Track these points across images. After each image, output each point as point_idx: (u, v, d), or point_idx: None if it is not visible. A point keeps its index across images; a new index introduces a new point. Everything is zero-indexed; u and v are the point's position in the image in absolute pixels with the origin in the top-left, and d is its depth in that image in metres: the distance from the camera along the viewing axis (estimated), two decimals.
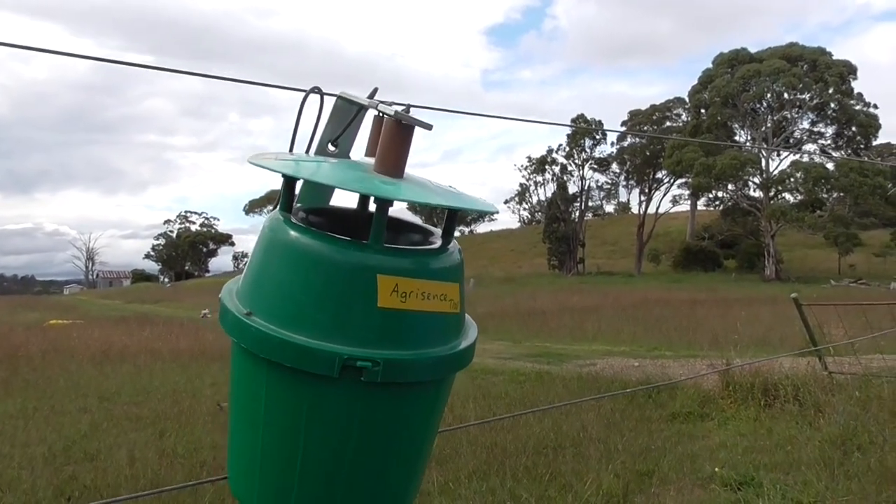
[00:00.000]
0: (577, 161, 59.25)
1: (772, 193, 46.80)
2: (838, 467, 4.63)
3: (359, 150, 0.84)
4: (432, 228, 0.73)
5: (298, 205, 0.73)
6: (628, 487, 4.29)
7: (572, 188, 59.65)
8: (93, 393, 8.95)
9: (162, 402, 8.07)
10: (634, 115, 59.02)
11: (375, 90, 0.76)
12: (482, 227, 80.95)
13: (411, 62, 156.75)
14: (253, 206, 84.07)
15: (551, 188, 60.54)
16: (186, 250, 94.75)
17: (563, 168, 59.78)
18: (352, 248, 0.61)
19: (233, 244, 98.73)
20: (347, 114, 0.75)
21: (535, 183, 63.28)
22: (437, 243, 0.69)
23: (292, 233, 0.63)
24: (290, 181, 0.69)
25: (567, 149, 58.94)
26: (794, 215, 44.63)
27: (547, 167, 60.53)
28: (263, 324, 0.60)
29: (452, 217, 0.69)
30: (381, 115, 0.71)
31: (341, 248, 0.61)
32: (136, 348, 13.88)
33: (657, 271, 52.80)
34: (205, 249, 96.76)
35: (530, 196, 65.78)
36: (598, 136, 58.03)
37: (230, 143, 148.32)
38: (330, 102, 0.83)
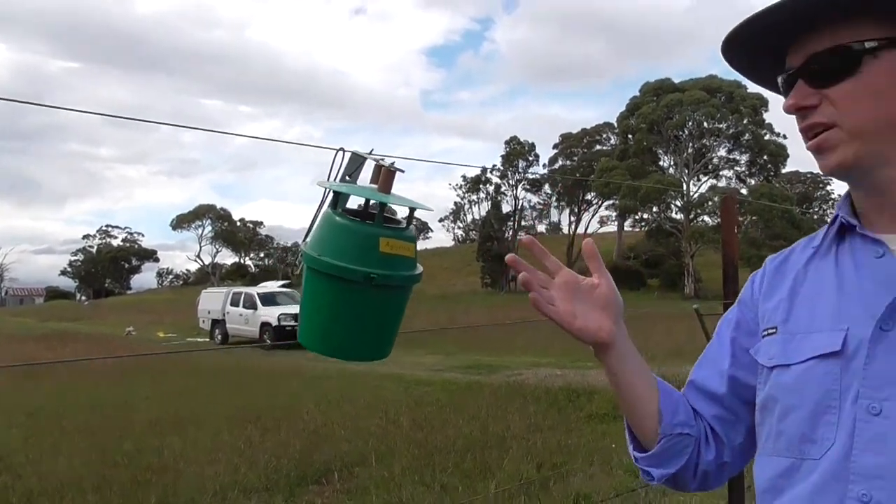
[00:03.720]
0: (510, 181, 60.69)
1: (692, 216, 49.18)
2: None
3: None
4: (400, 219, 1.31)
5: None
6: (544, 475, 4.76)
7: (506, 207, 60.97)
8: (17, 409, 8.82)
9: (93, 415, 8.09)
10: (566, 137, 60.95)
11: (372, 150, 1.35)
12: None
13: (353, 79, 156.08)
14: (181, 222, 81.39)
15: (485, 207, 61.75)
16: (107, 266, 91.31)
17: (497, 188, 61.11)
18: (368, 225, 1.22)
19: (157, 260, 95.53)
20: (357, 161, 1.33)
21: (470, 202, 64.40)
22: (404, 224, 1.29)
23: (338, 219, 1.23)
24: (336, 195, 1.28)
25: (501, 169, 60.29)
26: (712, 237, 46.93)
27: (481, 186, 61.71)
28: (327, 258, 1.19)
29: (412, 213, 1.30)
30: (378, 164, 1.30)
31: (363, 225, 1.22)
32: (60, 365, 13.61)
33: None
34: (126, 266, 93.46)
35: (465, 215, 66.80)
36: (530, 158, 59.68)
37: (160, 155, 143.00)
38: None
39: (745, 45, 0.95)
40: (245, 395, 8.86)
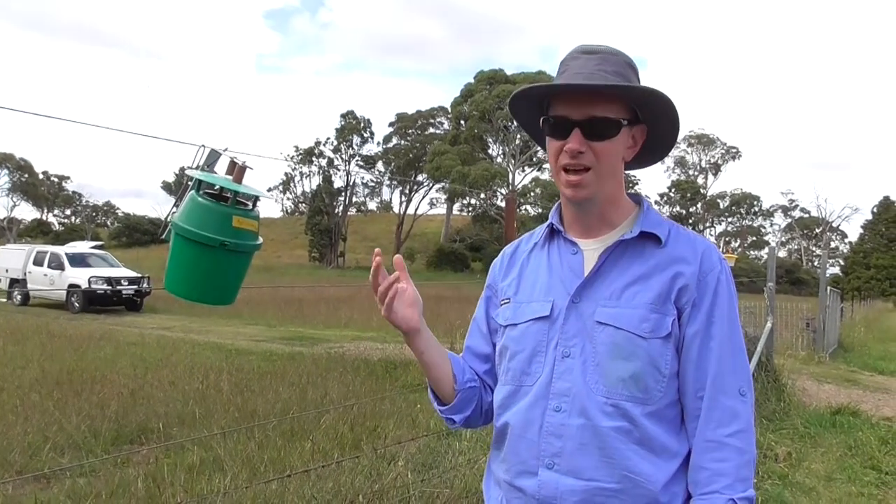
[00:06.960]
0: (344, 156, 60.35)
1: (516, 205, 52.07)
2: None
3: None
4: (247, 202, 1.64)
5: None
6: (358, 436, 5.23)
7: (338, 182, 60.63)
8: None
9: None
10: (402, 118, 61.65)
11: (227, 147, 1.66)
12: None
13: (176, 31, 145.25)
14: None
15: (317, 180, 60.97)
16: None
17: (330, 162, 60.52)
18: (225, 205, 1.57)
19: None
20: (214, 156, 1.64)
21: (301, 174, 63.20)
22: (251, 206, 1.65)
23: (201, 199, 1.55)
24: (201, 182, 1.59)
25: (335, 143, 59.76)
26: (532, 226, 49.92)
27: (314, 159, 60.78)
28: (193, 228, 1.49)
29: (256, 199, 1.67)
30: (233, 161, 1.64)
31: (221, 205, 1.55)
32: None
33: (411, 269, 53.86)
34: None
35: (295, 186, 65.48)
36: (365, 134, 59.72)
37: None
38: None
39: (533, 93, 1.34)
40: (54, 358, 8.47)
